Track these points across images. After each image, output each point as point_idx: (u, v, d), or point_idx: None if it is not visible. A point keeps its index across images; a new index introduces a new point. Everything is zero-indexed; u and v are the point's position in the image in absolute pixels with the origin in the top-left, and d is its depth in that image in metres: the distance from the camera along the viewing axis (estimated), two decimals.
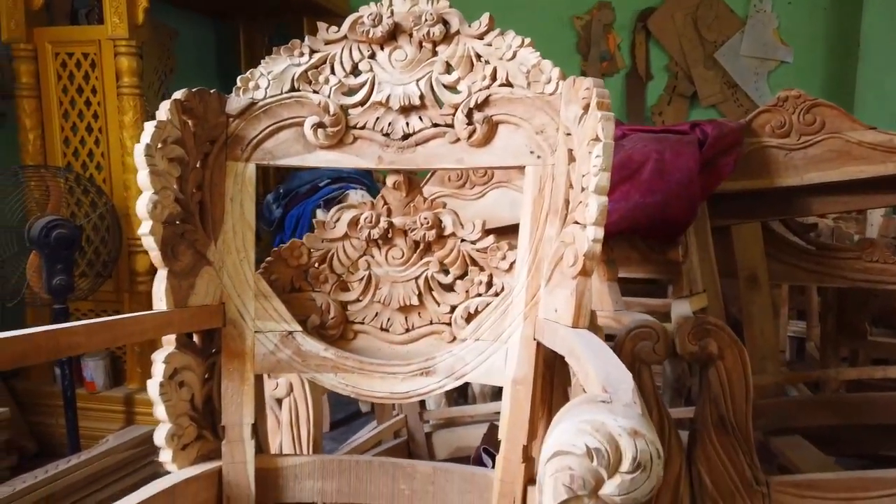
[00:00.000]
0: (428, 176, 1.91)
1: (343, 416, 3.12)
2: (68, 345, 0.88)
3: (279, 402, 1.47)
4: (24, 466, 2.30)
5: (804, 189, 1.76)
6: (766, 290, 1.85)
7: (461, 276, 1.23)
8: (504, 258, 1.20)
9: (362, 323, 1.27)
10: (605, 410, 0.54)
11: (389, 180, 1.25)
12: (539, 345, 1.10)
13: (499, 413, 2.03)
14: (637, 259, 1.96)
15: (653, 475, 0.52)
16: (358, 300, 1.27)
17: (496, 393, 2.71)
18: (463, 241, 1.23)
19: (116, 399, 2.74)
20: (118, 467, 2.37)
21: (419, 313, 1.25)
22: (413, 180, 1.26)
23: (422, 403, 2.01)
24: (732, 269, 1.89)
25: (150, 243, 1.10)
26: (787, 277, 1.93)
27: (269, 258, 1.26)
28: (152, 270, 2.80)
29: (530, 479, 1.09)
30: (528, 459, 1.09)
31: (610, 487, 0.52)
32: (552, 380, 1.15)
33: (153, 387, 1.11)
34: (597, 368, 0.72)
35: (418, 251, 1.25)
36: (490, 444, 1.44)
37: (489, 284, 1.21)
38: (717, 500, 1.18)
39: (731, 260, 1.89)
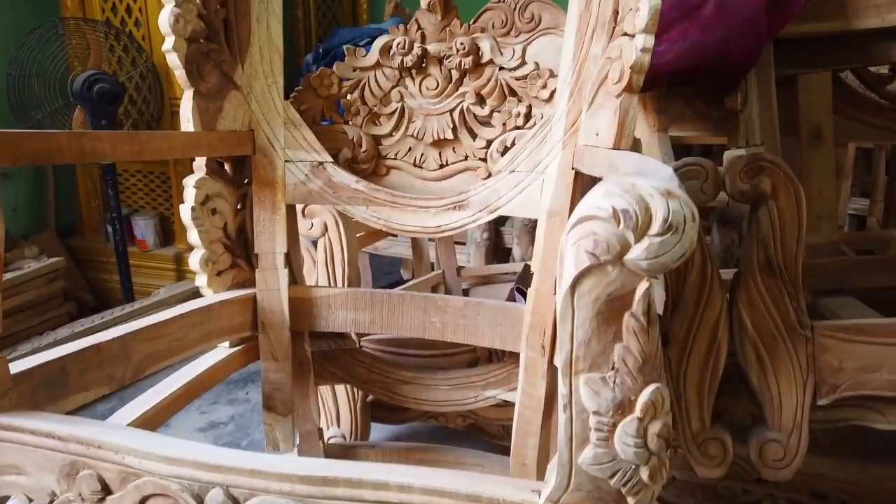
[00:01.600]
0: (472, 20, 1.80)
1: (385, 284, 3.17)
2: (92, 150, 0.87)
3: (314, 244, 1.47)
4: (84, 315, 2.43)
5: (884, 33, 1.59)
6: (829, 146, 1.72)
7: (498, 108, 1.17)
8: (545, 86, 1.13)
9: (395, 158, 1.23)
10: (639, 176, 0.49)
11: (423, 1, 1.17)
12: (577, 174, 1.04)
13: None
14: (691, 116, 1.84)
15: (685, 238, 0.47)
16: (391, 134, 1.22)
17: None
18: (501, 69, 1.15)
19: (166, 257, 2.84)
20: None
21: (454, 148, 1.20)
22: (449, 1, 1.17)
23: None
24: (794, 127, 1.76)
25: (173, 60, 1.06)
26: (855, 134, 1.80)
27: (298, 87, 1.22)
28: None
29: None
30: None
31: (636, 252, 0.48)
32: None
33: (185, 211, 1.11)
34: (635, 165, 0.66)
35: (453, 81, 1.18)
36: (523, 284, 1.43)
37: (527, 116, 1.14)
38: (758, 343, 1.14)
39: (793, 117, 1.75)
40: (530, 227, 2.57)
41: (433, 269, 2.06)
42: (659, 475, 0.51)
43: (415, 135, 1.21)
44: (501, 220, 2.76)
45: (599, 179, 0.97)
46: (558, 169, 1.06)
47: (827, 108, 1.70)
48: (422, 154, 1.22)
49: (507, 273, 2.01)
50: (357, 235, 1.58)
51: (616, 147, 0.94)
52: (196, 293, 2.56)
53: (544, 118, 1.10)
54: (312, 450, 1.30)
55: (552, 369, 1.08)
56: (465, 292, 1.97)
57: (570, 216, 1.04)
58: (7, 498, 0.69)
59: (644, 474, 0.50)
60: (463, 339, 1.18)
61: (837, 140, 1.76)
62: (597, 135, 0.99)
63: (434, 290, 1.98)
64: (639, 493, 0.51)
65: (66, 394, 0.84)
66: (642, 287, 0.50)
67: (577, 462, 0.51)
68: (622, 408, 0.50)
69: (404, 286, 1.88)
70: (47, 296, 2.21)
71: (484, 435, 1.58)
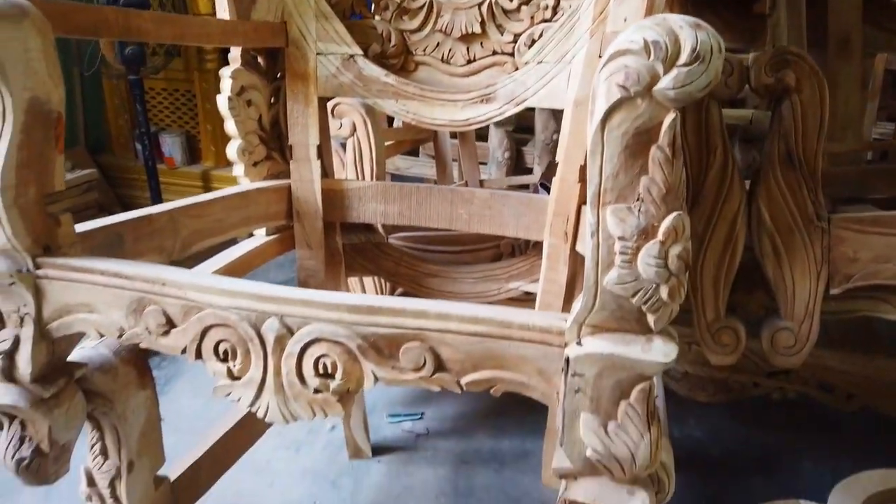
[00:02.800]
0: None
1: None
2: (137, 28, 0.90)
3: (343, 145, 1.51)
4: None
5: None
6: (857, 57, 1.70)
7: (526, 1, 1.18)
8: None
9: (423, 53, 1.25)
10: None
11: None
12: None
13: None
14: (719, 27, 1.82)
15: (711, 68, 0.51)
16: (419, 29, 1.24)
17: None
18: None
19: (194, 175, 2.90)
20: None
21: (481, 43, 1.22)
22: None
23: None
24: (822, 39, 1.74)
25: None
26: (885, 45, 1.77)
27: None
28: (219, 49, 2.81)
29: (584, 200, 1.11)
30: (584, 180, 1.10)
31: (665, 82, 0.51)
32: None
33: (222, 101, 1.15)
34: None
35: None
36: (547, 180, 1.46)
37: (555, 9, 1.16)
38: (775, 235, 1.18)
39: (820, 28, 1.74)
40: (552, 146, 2.58)
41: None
42: (677, 294, 0.56)
43: (443, 29, 1.23)
44: (523, 140, 2.77)
45: None
46: (585, 58, 1.08)
47: (857, 17, 1.68)
48: (450, 49, 1.24)
49: (527, 185, 2.04)
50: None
51: None
52: None
53: (572, 8, 1.12)
54: None
55: (574, 255, 1.13)
56: None
57: None
58: (82, 334, 0.77)
59: (664, 293, 0.55)
60: (488, 229, 1.23)
61: (866, 51, 1.75)
62: (625, 20, 1.01)
63: None
64: (658, 311, 0.56)
65: (122, 257, 0.90)
66: (669, 119, 0.53)
67: (603, 283, 0.57)
68: (645, 233, 0.55)
69: None
70: (82, 206, 2.29)
71: None
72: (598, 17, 1.07)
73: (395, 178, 2.61)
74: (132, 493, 0.89)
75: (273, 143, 1.26)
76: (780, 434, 1.62)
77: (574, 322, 0.59)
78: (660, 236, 0.54)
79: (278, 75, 1.24)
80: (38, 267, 0.74)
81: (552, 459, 1.41)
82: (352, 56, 1.21)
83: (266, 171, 1.25)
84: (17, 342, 0.75)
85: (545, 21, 1.16)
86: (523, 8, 1.18)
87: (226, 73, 1.15)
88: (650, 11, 0.96)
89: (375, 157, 1.46)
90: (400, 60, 1.25)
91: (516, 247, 1.39)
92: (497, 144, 2.54)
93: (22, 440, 0.79)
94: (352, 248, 1.36)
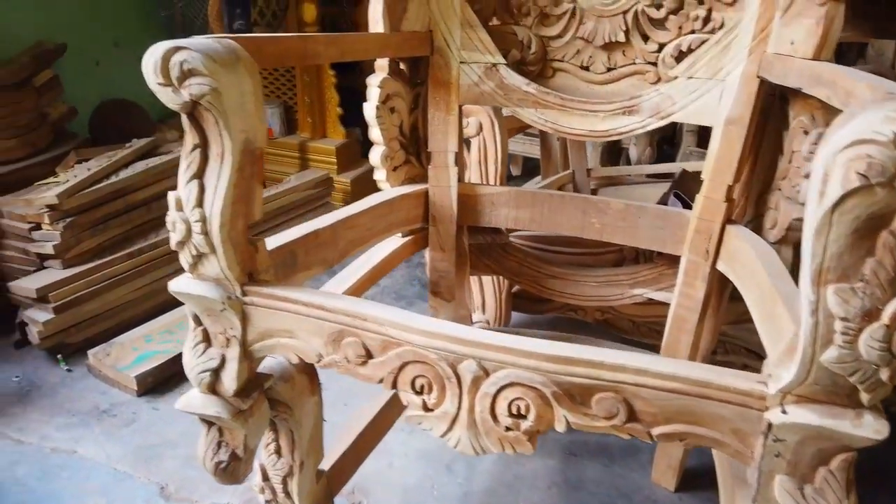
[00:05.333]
0: None
1: None
2: (313, 52, 0.94)
3: (467, 143, 1.53)
4: None
5: None
6: None
7: (675, 11, 1.15)
8: None
9: (562, 60, 1.25)
10: None
11: None
12: (762, 83, 1.04)
13: (664, 174, 2.01)
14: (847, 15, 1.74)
15: None
16: (560, 35, 1.24)
17: (655, 160, 2.67)
18: None
19: (291, 145, 2.97)
20: (298, 204, 2.64)
21: (623, 51, 1.21)
22: None
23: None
24: None
25: None
26: None
27: None
28: (318, 21, 2.84)
29: (729, 219, 1.11)
30: (730, 200, 1.10)
31: None
32: (764, 123, 1.11)
33: (369, 109, 1.18)
34: (871, 80, 0.67)
35: None
36: (681, 189, 1.46)
37: (706, 20, 1.13)
38: None
39: None
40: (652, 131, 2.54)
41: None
42: None
43: (585, 37, 1.22)
44: None
45: (788, 90, 0.98)
46: (741, 77, 1.06)
47: None
48: (590, 56, 1.23)
49: (633, 175, 2.02)
50: None
51: (816, 58, 0.94)
52: (323, 181, 2.68)
53: (728, 23, 1.09)
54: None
55: (713, 273, 1.13)
56: (593, 193, 2.00)
57: (750, 125, 1.05)
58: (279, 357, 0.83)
59: (884, 375, 0.56)
60: (621, 240, 1.24)
61: None
62: (791, 43, 0.98)
63: (562, 189, 2.02)
64: (874, 391, 0.57)
65: (295, 272, 0.96)
66: None
67: (819, 360, 0.58)
68: (869, 315, 0.56)
69: (539, 184, 1.93)
70: None
71: (613, 329, 1.67)
72: (760, 35, 1.04)
73: None
74: (302, 489, 0.97)
75: (411, 148, 1.29)
76: None
77: (780, 391, 0.61)
78: (885, 320, 0.55)
79: (419, 81, 1.27)
80: (245, 294, 0.80)
81: (663, 458, 1.44)
82: (494, 65, 1.22)
83: (404, 176, 1.28)
84: (223, 361, 0.82)
85: (693, 32, 1.14)
86: (671, 18, 1.16)
87: (373, 82, 1.18)
88: (825, 38, 0.93)
89: (500, 157, 1.47)
90: (538, 67, 1.25)
91: (641, 253, 1.39)
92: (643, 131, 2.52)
93: (219, 445, 0.87)
94: (477, 248, 1.39)
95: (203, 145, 0.75)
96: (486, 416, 0.71)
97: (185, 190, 0.76)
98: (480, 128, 1.47)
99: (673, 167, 2.06)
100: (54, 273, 1.92)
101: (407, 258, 1.33)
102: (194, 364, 0.82)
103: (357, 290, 1.10)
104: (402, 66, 1.24)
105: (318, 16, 2.80)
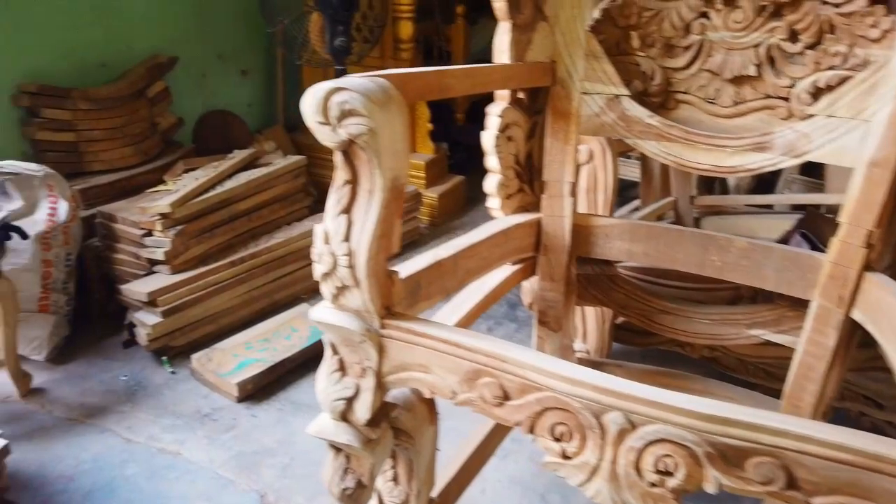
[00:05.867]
0: None
1: None
2: (448, 85, 0.95)
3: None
4: (317, 209, 2.67)
5: None
6: None
7: (812, 46, 1.11)
8: (875, 25, 1.05)
9: (685, 93, 1.22)
10: None
11: None
12: None
13: (787, 206, 1.92)
14: None
15: None
16: (685, 67, 1.21)
17: (753, 188, 2.58)
18: (824, 3, 1.09)
19: None
20: None
21: (753, 85, 1.17)
22: None
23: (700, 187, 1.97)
24: None
25: None
26: None
27: (596, 17, 1.22)
28: (414, 38, 2.88)
29: (868, 266, 1.05)
30: (870, 246, 1.04)
31: None
32: None
33: (489, 138, 1.19)
34: None
35: (765, 14, 1.13)
36: (808, 229, 1.40)
37: (847, 56, 1.08)
38: None
39: None
40: None
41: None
42: None
43: (712, 69, 1.19)
44: None
45: None
46: (889, 117, 1.01)
47: None
48: (716, 90, 1.20)
49: (742, 206, 1.95)
50: None
51: None
52: (412, 197, 2.71)
53: (874, 61, 1.04)
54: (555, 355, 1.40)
55: (847, 321, 1.08)
56: (696, 222, 1.95)
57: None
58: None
59: None
60: (743, 279, 1.20)
61: None
62: None
63: (661, 217, 1.98)
64: None
65: (418, 301, 0.97)
66: None
67: None
68: None
69: (639, 212, 1.90)
70: (293, 190, 2.46)
71: (719, 366, 1.61)
72: None
73: None
74: None
75: (525, 177, 1.28)
76: None
77: None
78: None
79: (536, 111, 1.26)
80: (383, 327, 0.81)
81: None
82: (616, 96, 1.20)
83: (516, 204, 1.28)
84: (357, 390, 0.83)
85: (832, 69, 1.10)
86: (808, 53, 1.11)
87: (494, 111, 1.19)
88: None
89: (610, 187, 1.45)
90: (661, 99, 1.23)
91: (759, 292, 1.34)
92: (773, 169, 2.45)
93: (346, 472, 0.88)
94: (584, 278, 1.37)
95: (353, 181, 0.77)
96: (630, 470, 0.70)
97: (333, 223, 0.78)
98: (591, 156, 1.46)
99: (784, 199, 1.99)
100: (163, 278, 2.01)
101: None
102: (330, 391, 0.84)
103: (469, 320, 1.10)
104: (520, 94, 1.24)
105: (414, 33, 2.85)
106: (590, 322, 1.57)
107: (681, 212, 1.94)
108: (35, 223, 1.90)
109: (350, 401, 0.83)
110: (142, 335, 1.97)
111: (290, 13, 2.58)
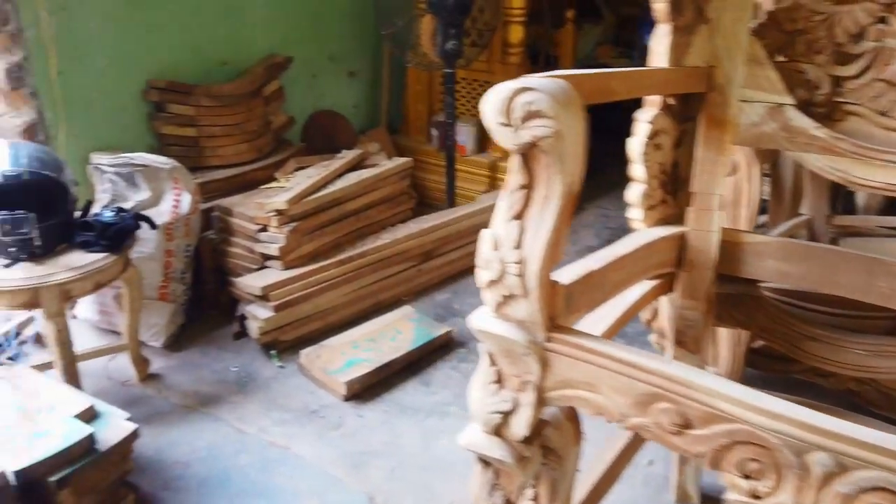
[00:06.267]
0: None
1: None
2: (612, 88, 0.91)
3: None
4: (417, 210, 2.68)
5: None
6: None
7: None
8: None
9: (855, 104, 1.12)
10: None
11: None
12: None
13: None
14: None
15: None
16: (856, 76, 1.11)
17: (884, 208, 2.39)
18: None
19: (482, 163, 2.99)
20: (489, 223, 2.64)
21: None
22: None
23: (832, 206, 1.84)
24: None
25: None
26: None
27: (759, 21, 1.14)
28: (523, 42, 2.84)
29: None
30: None
31: None
32: None
33: (636, 146, 1.13)
34: None
35: None
36: None
37: None
38: None
39: None
40: None
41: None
42: None
43: (888, 79, 1.09)
44: None
45: None
46: None
47: None
48: (891, 101, 1.10)
49: (886, 227, 1.81)
50: None
51: None
52: None
53: None
54: None
55: None
56: (833, 243, 1.81)
57: None
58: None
59: None
60: None
61: None
62: None
63: (794, 237, 1.85)
64: None
65: (569, 313, 0.92)
66: None
67: None
68: None
69: (771, 230, 1.78)
70: (398, 191, 2.47)
71: (860, 400, 1.49)
72: None
73: None
74: None
75: (669, 187, 1.22)
76: None
77: None
78: None
79: (685, 118, 1.19)
80: (549, 340, 0.77)
81: None
82: (779, 105, 1.12)
83: (658, 215, 1.21)
84: (516, 405, 0.79)
85: None
86: None
87: (644, 118, 1.13)
88: None
89: (754, 201, 1.36)
90: (826, 109, 1.14)
91: None
92: None
93: (494, 488, 0.84)
94: (725, 297, 1.29)
95: (529, 186, 0.73)
96: None
97: (504, 229, 0.75)
98: (735, 168, 1.37)
99: None
100: (275, 273, 2.04)
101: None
102: (485, 404, 0.80)
103: (609, 335, 1.05)
104: (670, 100, 1.18)
105: (524, 37, 2.80)
106: (722, 344, 1.48)
107: (817, 232, 1.81)
108: (160, 214, 1.98)
109: (506, 415, 0.80)
110: (253, 328, 2.01)
111: (404, 16, 2.59)
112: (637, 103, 1.16)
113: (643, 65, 1.19)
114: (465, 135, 2.99)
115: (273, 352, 2.01)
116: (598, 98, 0.90)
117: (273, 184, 2.34)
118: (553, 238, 0.74)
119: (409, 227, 2.41)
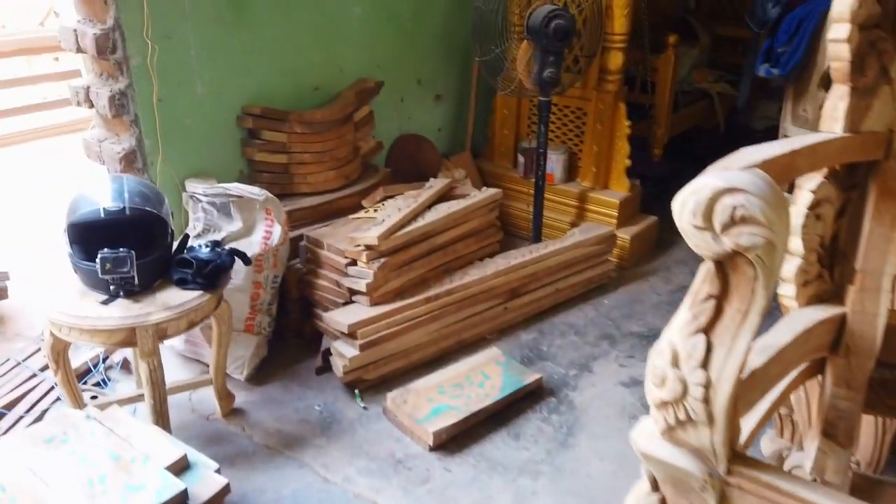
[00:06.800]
0: None
1: None
2: (795, 167, 0.79)
3: None
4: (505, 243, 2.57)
5: None
6: None
7: None
8: None
9: None
10: None
11: None
12: None
13: None
14: None
15: None
16: None
17: None
18: None
19: (571, 193, 2.87)
20: (579, 260, 2.52)
21: None
22: None
23: None
24: None
25: (839, 52, 0.92)
26: None
27: None
28: (622, 69, 2.70)
29: None
30: None
31: None
32: None
33: (797, 217, 1.00)
34: None
35: None
36: None
37: None
38: None
39: None
40: None
41: None
42: None
43: None
44: None
45: None
46: None
47: None
48: None
49: None
50: None
51: None
52: (605, 238, 2.51)
53: None
54: (838, 474, 1.17)
55: None
56: None
57: None
58: None
59: None
60: None
61: None
62: None
63: None
64: None
65: None
66: None
67: None
68: None
69: None
70: (486, 224, 2.37)
71: None
72: None
73: None
74: None
75: (826, 262, 1.08)
76: None
77: None
78: None
79: (850, 186, 1.06)
80: (730, 473, 0.66)
81: None
82: None
83: (811, 293, 1.08)
84: None
85: None
86: None
87: (807, 186, 1.00)
88: None
89: None
90: None
91: None
92: None
93: None
94: (878, 383, 1.14)
95: (720, 297, 0.62)
96: None
97: (686, 343, 0.64)
98: None
99: None
100: (362, 310, 1.98)
101: None
102: None
103: (754, 432, 0.93)
104: (836, 166, 1.04)
105: (623, 64, 2.67)
106: (865, 430, 1.32)
107: None
108: (251, 245, 1.94)
109: None
110: (338, 366, 1.95)
111: (500, 42, 2.50)
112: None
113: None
114: (553, 162, 2.87)
115: (357, 392, 1.95)
116: (784, 179, 0.79)
117: (361, 213, 2.28)
118: (745, 359, 0.63)
119: (497, 263, 2.31)
